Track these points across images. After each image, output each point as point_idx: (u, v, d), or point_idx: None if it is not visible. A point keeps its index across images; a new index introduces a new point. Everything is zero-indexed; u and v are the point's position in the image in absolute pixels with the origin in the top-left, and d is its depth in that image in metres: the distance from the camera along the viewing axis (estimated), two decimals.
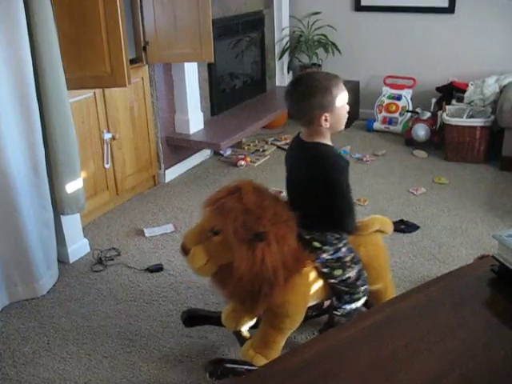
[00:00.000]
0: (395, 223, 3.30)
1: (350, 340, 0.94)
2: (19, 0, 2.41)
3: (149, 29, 3.62)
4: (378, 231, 2.28)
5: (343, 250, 2.07)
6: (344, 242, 2.08)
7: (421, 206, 3.61)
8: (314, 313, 2.41)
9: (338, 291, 2.14)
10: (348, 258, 2.08)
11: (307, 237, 2.03)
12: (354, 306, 2.14)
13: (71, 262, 3.06)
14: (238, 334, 2.26)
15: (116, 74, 2.90)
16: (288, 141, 4.73)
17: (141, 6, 3.58)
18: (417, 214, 3.49)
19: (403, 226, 3.31)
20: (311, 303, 2.17)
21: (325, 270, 2.08)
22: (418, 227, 3.32)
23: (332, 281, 2.11)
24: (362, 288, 2.14)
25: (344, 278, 2.09)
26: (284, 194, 2.16)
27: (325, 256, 2.06)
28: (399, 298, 1.06)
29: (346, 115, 1.98)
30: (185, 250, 1.97)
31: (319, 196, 1.95)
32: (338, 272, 2.08)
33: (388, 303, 1.07)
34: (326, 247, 2.05)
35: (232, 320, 2.15)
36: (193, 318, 2.40)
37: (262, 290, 1.91)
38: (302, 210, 1.98)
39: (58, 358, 2.36)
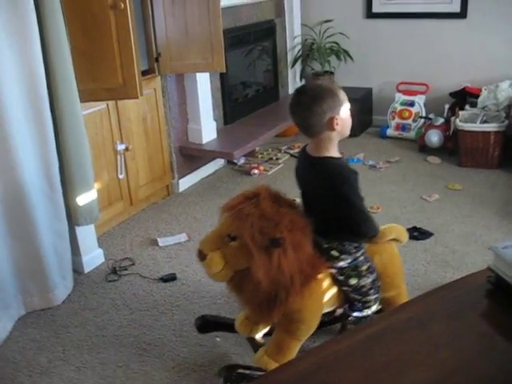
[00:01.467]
0: (408, 230, 3.32)
1: (344, 352, 0.94)
2: (32, 14, 2.46)
3: (161, 40, 3.67)
4: (393, 240, 2.27)
5: (361, 258, 2.08)
6: (362, 251, 2.09)
7: (434, 212, 3.60)
8: (327, 319, 2.41)
9: (351, 299, 2.15)
10: (364, 267, 2.09)
11: (325, 245, 2.05)
12: (364, 313, 2.14)
13: (86, 271, 3.09)
14: (252, 340, 2.27)
15: (128, 85, 2.94)
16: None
17: (152, 17, 3.63)
18: (430, 221, 3.48)
19: (416, 233, 3.30)
20: (325, 310, 2.17)
21: (340, 277, 2.09)
22: (431, 234, 3.31)
23: (346, 288, 2.12)
24: (374, 297, 2.14)
25: (359, 286, 2.10)
26: (298, 200, 2.17)
27: (342, 264, 2.07)
28: (395, 310, 1.07)
29: (351, 120, 2.00)
30: (201, 256, 1.97)
31: (334, 208, 1.96)
32: (353, 280, 2.09)
33: (384, 315, 1.08)
34: (343, 256, 2.05)
35: (246, 326, 2.16)
36: (206, 324, 2.42)
37: (278, 295, 1.93)
38: (319, 218, 1.99)
39: (72, 368, 2.39)
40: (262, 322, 2.12)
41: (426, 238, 3.27)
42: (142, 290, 2.92)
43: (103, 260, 3.20)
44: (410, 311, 1.05)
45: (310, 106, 1.91)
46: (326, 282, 2.08)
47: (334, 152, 1.99)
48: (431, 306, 1.06)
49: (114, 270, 3.09)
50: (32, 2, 2.45)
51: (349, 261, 2.06)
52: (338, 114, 1.92)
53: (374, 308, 2.17)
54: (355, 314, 2.15)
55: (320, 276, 2.02)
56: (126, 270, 3.11)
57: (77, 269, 3.07)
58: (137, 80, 2.93)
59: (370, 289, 2.12)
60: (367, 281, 2.10)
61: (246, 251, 1.87)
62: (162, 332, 2.58)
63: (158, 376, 2.31)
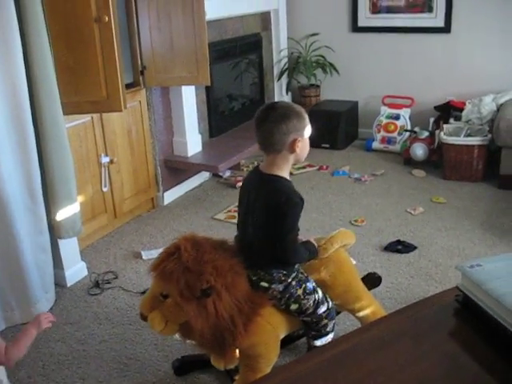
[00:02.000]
0: (392, 243, 3.34)
1: (305, 374, 0.92)
2: (15, 28, 2.46)
3: (146, 53, 3.67)
4: (340, 247, 2.27)
5: (293, 283, 2.05)
6: (293, 275, 2.06)
7: (418, 225, 3.61)
8: (296, 333, 2.40)
9: (304, 322, 2.15)
10: (300, 292, 2.06)
11: (254, 278, 2.03)
12: (324, 340, 2.15)
13: (68, 285, 3.07)
14: (229, 372, 2.26)
15: (112, 98, 2.93)
16: None
17: (138, 30, 3.64)
18: (414, 234, 3.49)
19: (400, 247, 3.31)
20: (283, 335, 2.16)
21: (282, 307, 2.08)
22: (415, 247, 3.32)
23: (293, 314, 2.11)
24: (324, 314, 2.12)
25: (303, 310, 2.08)
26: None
27: (276, 294, 2.04)
28: (359, 331, 1.06)
29: (309, 147, 2.03)
30: (143, 318, 2.00)
31: (268, 229, 1.95)
32: (294, 307, 2.07)
33: (347, 336, 1.07)
34: (273, 285, 2.03)
35: (219, 361, 2.12)
36: (184, 366, 2.40)
37: (224, 338, 1.93)
38: (246, 248, 2.00)
39: (52, 383, 2.36)
40: (223, 359, 2.10)
41: (410, 251, 3.28)
42: (125, 304, 2.89)
43: (86, 273, 3.17)
44: (376, 331, 1.04)
45: (277, 122, 1.91)
46: (272, 313, 2.06)
47: (286, 173, 2.00)
48: (397, 325, 1.05)
49: (97, 283, 3.07)
50: (15, 16, 2.45)
51: (281, 289, 2.03)
52: (301, 137, 1.94)
53: (332, 326, 2.17)
54: (318, 342, 2.15)
55: (263, 310, 2.01)
56: (108, 283, 3.09)
57: (59, 282, 3.04)
58: (121, 93, 2.93)
59: (316, 308, 2.10)
60: (308, 303, 2.08)
61: (181, 306, 1.88)
62: (143, 346, 2.56)
63: None
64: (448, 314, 1.08)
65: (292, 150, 1.94)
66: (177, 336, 2.13)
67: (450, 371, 0.93)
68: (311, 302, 2.08)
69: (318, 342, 2.16)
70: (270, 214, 1.94)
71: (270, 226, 1.95)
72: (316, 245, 2.16)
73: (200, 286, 1.84)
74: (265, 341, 2.04)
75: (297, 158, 1.99)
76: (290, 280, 2.04)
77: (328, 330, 2.16)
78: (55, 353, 2.55)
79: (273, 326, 2.06)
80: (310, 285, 2.10)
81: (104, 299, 2.95)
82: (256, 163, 4.81)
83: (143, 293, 2.96)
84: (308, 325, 2.15)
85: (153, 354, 2.50)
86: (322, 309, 2.12)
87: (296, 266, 2.09)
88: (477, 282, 1.06)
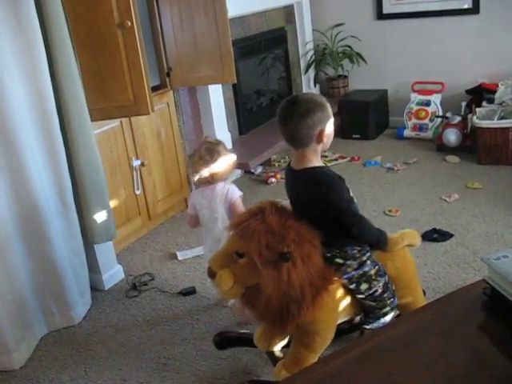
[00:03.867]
0: (428, 232, 3.29)
1: (330, 375, 0.92)
2: (39, 39, 2.50)
3: (171, 54, 3.69)
4: (406, 245, 2.25)
5: (367, 262, 2.06)
6: (367, 255, 2.06)
7: (454, 213, 3.55)
8: (346, 326, 2.39)
9: (367, 306, 2.12)
10: (373, 272, 2.07)
11: (328, 254, 2.03)
12: (382, 321, 2.12)
13: (106, 288, 3.12)
14: (271, 354, 2.26)
15: (139, 102, 2.96)
16: None
17: (162, 32, 3.66)
18: (450, 222, 3.43)
19: (436, 235, 3.25)
20: (341, 320, 2.15)
21: (351, 285, 2.07)
22: (451, 235, 3.26)
23: (359, 296, 2.09)
24: (389, 301, 2.11)
25: (371, 291, 2.07)
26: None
27: (350, 271, 2.04)
28: (387, 327, 1.04)
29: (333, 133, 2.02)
30: (211, 274, 1.97)
31: (325, 216, 1.95)
32: (364, 286, 2.06)
33: (374, 333, 1.05)
34: (348, 262, 2.03)
35: (264, 340, 2.15)
36: (225, 341, 2.41)
37: (290, 309, 1.91)
38: (317, 229, 1.98)
39: None
40: (278, 334, 2.11)
41: (446, 239, 3.22)
42: (162, 305, 2.93)
43: (123, 276, 3.22)
44: (402, 328, 1.02)
45: (302, 118, 1.90)
46: (338, 293, 2.06)
47: (317, 162, 1.99)
48: (424, 321, 1.03)
49: (134, 285, 3.11)
50: (38, 26, 2.49)
51: (355, 266, 2.04)
52: (326, 127, 1.94)
53: (391, 315, 2.15)
54: (372, 323, 2.13)
55: (331, 287, 2.00)
56: (145, 285, 3.13)
57: (97, 286, 3.10)
58: (147, 96, 2.95)
59: (383, 292, 2.09)
60: (378, 284, 2.07)
61: (255, 268, 1.86)
62: (182, 346, 2.58)
63: None
64: (475, 308, 1.06)
65: (319, 140, 1.95)
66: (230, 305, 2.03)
67: (478, 367, 0.91)
68: (381, 283, 2.08)
69: (373, 326, 2.14)
70: (320, 207, 1.94)
71: (327, 214, 1.95)
72: (388, 235, 2.14)
73: (280, 250, 1.83)
74: (326, 319, 2.03)
75: (324, 147, 1.99)
76: (364, 258, 2.05)
77: (387, 319, 2.13)
78: (96, 355, 2.59)
79: (336, 306, 2.05)
80: (382, 268, 2.11)
81: (141, 301, 2.99)
82: (287, 158, 4.81)
83: (180, 293, 2.99)
84: (369, 310, 2.13)
85: (191, 354, 2.52)
86: (388, 295, 2.11)
87: (368, 247, 2.08)
88: (503, 274, 1.03)
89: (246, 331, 2.50)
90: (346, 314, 2.15)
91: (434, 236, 3.25)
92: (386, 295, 2.10)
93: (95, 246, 3.01)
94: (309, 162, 1.97)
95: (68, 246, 2.78)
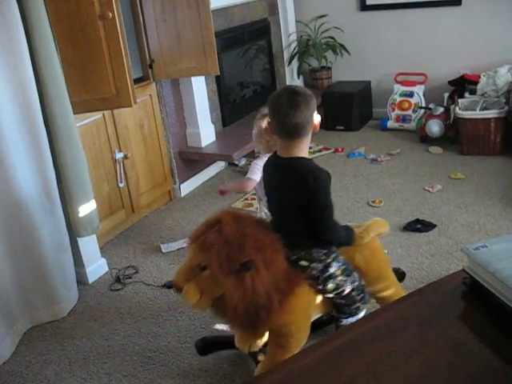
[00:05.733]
0: (411, 223, 3.31)
1: (311, 366, 0.92)
2: (21, 32, 2.47)
3: (153, 46, 3.67)
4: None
5: (333, 264, 2.05)
6: (333, 256, 2.06)
7: (437, 203, 3.58)
8: (325, 317, 2.39)
9: (337, 304, 2.13)
10: (339, 272, 2.06)
11: (294, 257, 2.03)
12: (354, 318, 2.13)
13: (90, 282, 3.11)
14: (254, 355, 2.27)
15: (121, 94, 2.94)
16: None
17: (144, 24, 3.63)
18: (433, 212, 3.45)
19: (419, 226, 3.28)
20: (314, 318, 2.16)
21: (318, 287, 2.07)
22: (434, 226, 3.28)
23: (327, 295, 2.10)
24: (358, 297, 2.12)
25: (338, 291, 2.08)
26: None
27: (315, 273, 2.04)
28: (366, 319, 1.05)
29: None
30: (178, 289, 1.99)
31: (303, 211, 1.95)
32: (331, 287, 2.06)
33: (351, 326, 1.06)
34: (313, 264, 2.03)
35: (244, 342, 2.14)
36: (207, 346, 2.41)
37: (259, 315, 1.92)
38: (285, 231, 1.98)
39: (79, 379, 2.40)
40: (252, 338, 2.10)
41: (430, 229, 3.25)
42: (146, 298, 2.92)
43: (107, 269, 3.21)
44: (382, 319, 1.02)
45: (305, 107, 1.90)
46: (307, 293, 2.06)
47: (306, 153, 2.00)
48: (404, 312, 1.04)
49: (118, 278, 3.10)
50: (20, 19, 2.46)
51: (320, 268, 2.03)
52: (314, 117, 1.96)
53: (364, 310, 2.16)
54: (348, 320, 2.14)
55: (298, 289, 2.00)
56: (129, 278, 3.12)
57: (81, 280, 3.08)
58: (130, 88, 2.93)
59: (352, 291, 2.10)
60: (345, 284, 2.08)
61: (218, 279, 1.87)
62: (166, 339, 2.58)
63: (163, 383, 2.31)
64: (455, 298, 1.06)
65: (314, 129, 1.97)
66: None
67: (457, 357, 0.91)
68: (348, 282, 2.08)
69: (348, 321, 2.15)
70: (302, 197, 1.93)
71: (304, 208, 1.94)
72: (355, 231, 2.15)
73: (240, 260, 1.83)
74: (297, 320, 2.04)
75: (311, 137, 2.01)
76: (329, 260, 2.05)
77: (359, 313, 2.15)
78: (80, 350, 2.58)
79: (306, 306, 2.06)
80: (349, 266, 2.11)
81: (126, 294, 2.98)
82: None
83: (164, 286, 2.99)
84: (340, 308, 2.14)
85: (176, 347, 2.52)
86: (357, 292, 2.12)
87: (334, 248, 2.08)
88: (482, 264, 1.05)
89: (225, 326, 2.52)
90: (318, 311, 2.16)
91: (417, 226, 3.28)
92: (354, 293, 2.11)
93: (79, 239, 2.99)
94: (300, 151, 1.97)
95: (54, 240, 2.76)
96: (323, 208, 1.95)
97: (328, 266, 2.04)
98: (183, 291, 1.94)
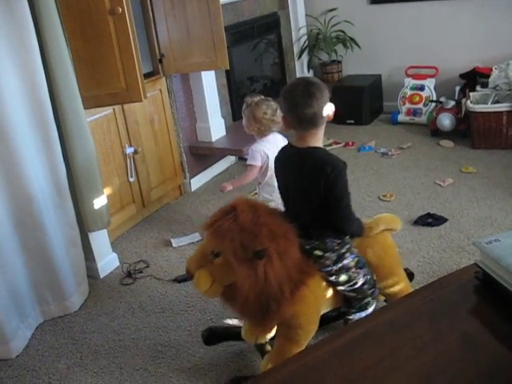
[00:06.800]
0: (422, 217, 3.29)
1: (323, 359, 0.92)
2: (31, 27, 2.48)
3: (163, 41, 3.67)
4: (385, 230, 2.25)
5: (346, 255, 2.06)
6: (347, 247, 2.06)
7: (448, 197, 3.55)
8: (334, 314, 2.39)
9: (348, 297, 2.13)
10: (352, 264, 2.07)
11: (307, 247, 2.02)
12: (363, 313, 2.12)
13: (101, 276, 3.12)
14: (260, 347, 2.27)
15: (131, 89, 2.94)
16: None
17: (153, 19, 3.63)
18: (444, 206, 3.44)
19: (430, 220, 3.26)
20: (324, 311, 2.16)
21: (331, 278, 2.07)
22: (445, 220, 3.26)
23: (339, 288, 2.10)
24: (370, 291, 2.12)
25: (351, 283, 2.08)
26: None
27: (328, 263, 2.04)
28: (377, 313, 1.04)
29: None
30: (189, 275, 2.00)
31: (320, 201, 1.95)
32: (343, 278, 2.07)
33: (366, 319, 1.05)
34: (327, 254, 2.03)
35: (251, 334, 2.14)
36: (213, 336, 2.42)
37: (269, 305, 1.92)
38: (299, 220, 1.97)
39: (90, 373, 2.41)
40: (260, 330, 2.10)
41: (441, 223, 3.23)
42: (157, 292, 2.93)
43: (118, 264, 3.22)
44: (394, 313, 1.02)
45: (319, 98, 1.92)
46: (318, 285, 2.06)
47: (321, 143, 2.01)
48: (414, 306, 1.03)
49: (129, 273, 3.11)
50: (29, 14, 2.46)
51: (334, 258, 2.04)
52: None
53: (373, 305, 2.16)
54: (355, 315, 2.13)
55: (310, 280, 2.00)
56: (140, 272, 3.13)
57: (92, 274, 3.10)
58: (139, 83, 2.93)
59: (364, 284, 2.10)
60: (358, 276, 2.08)
61: (231, 267, 1.87)
62: (177, 333, 2.59)
63: (174, 377, 2.32)
64: (467, 292, 1.06)
65: (329, 118, 1.98)
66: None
67: (468, 351, 0.91)
68: (361, 275, 2.09)
69: (356, 317, 2.15)
70: (320, 187, 1.92)
71: (322, 197, 1.94)
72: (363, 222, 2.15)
73: (254, 248, 1.83)
74: (307, 312, 2.03)
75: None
76: (343, 250, 2.05)
77: (368, 308, 2.15)
78: (92, 344, 2.60)
79: (317, 299, 2.06)
80: (362, 259, 2.11)
81: (137, 288, 2.99)
82: None
83: (175, 280, 2.99)
84: (351, 301, 2.14)
85: (187, 340, 2.53)
86: (369, 285, 2.12)
87: (348, 239, 2.08)
88: (495, 258, 1.04)
89: (235, 321, 2.52)
90: (328, 305, 2.15)
91: (428, 220, 3.26)
92: (366, 287, 2.11)
93: (90, 234, 3.01)
94: (316, 141, 1.98)
95: (65, 235, 2.78)
96: (341, 197, 1.95)
97: (342, 256, 2.05)
98: (195, 277, 1.95)
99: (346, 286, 2.08)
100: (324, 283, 2.08)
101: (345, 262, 2.05)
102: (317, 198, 1.95)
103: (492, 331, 0.96)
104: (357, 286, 2.09)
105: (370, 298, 2.13)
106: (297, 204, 2.05)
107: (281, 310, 1.93)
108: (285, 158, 2.10)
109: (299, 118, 1.94)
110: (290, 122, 1.98)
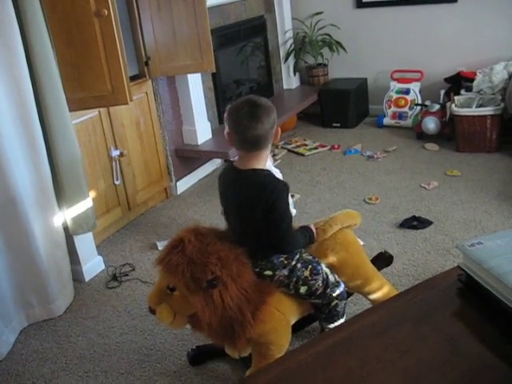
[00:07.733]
0: (407, 220, 3.31)
1: (306, 363, 0.92)
2: (15, 29, 2.46)
3: (149, 44, 3.66)
4: (344, 228, 2.23)
5: (298, 266, 2.04)
6: (296, 258, 2.04)
7: (433, 200, 3.58)
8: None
9: (315, 304, 2.13)
10: (307, 273, 2.04)
11: (256, 269, 2.01)
12: (337, 324, 2.13)
13: (86, 280, 3.10)
14: (244, 359, 2.26)
15: (117, 92, 2.93)
16: (298, 143, 4.74)
17: (140, 21, 3.62)
18: (429, 209, 3.46)
19: (415, 223, 3.28)
20: (294, 321, 2.14)
21: (291, 292, 2.06)
22: (430, 222, 3.29)
23: (302, 298, 2.09)
24: (334, 294, 2.11)
25: (311, 291, 2.06)
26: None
27: (283, 279, 2.03)
28: (361, 316, 1.05)
29: None
30: (152, 312, 2.01)
31: (259, 223, 1.94)
32: (303, 289, 2.05)
33: (349, 321, 1.06)
34: (278, 272, 2.02)
35: (233, 350, 2.12)
36: (199, 356, 2.40)
37: (234, 328, 1.93)
38: (241, 242, 1.97)
39: (75, 377, 2.39)
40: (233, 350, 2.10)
41: (426, 226, 3.25)
42: (143, 295, 2.92)
43: (103, 267, 3.20)
44: (377, 316, 1.02)
45: (264, 119, 1.86)
46: (280, 301, 2.05)
47: (264, 165, 1.98)
48: (398, 309, 1.04)
49: (115, 276, 3.10)
50: (14, 16, 2.45)
51: (286, 273, 2.02)
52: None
53: (342, 305, 2.16)
54: (331, 326, 2.14)
55: (271, 298, 2.00)
56: (126, 275, 3.11)
57: (77, 278, 3.08)
58: (125, 86, 2.92)
59: (325, 288, 2.08)
60: (317, 283, 2.06)
61: (188, 299, 1.88)
62: (162, 337, 2.58)
63: (159, 381, 2.31)
64: (450, 295, 1.06)
65: (275, 139, 1.96)
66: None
67: (452, 354, 0.91)
68: (320, 282, 2.06)
69: (331, 325, 2.15)
70: (258, 209, 1.91)
71: (261, 219, 1.93)
72: (314, 229, 2.13)
73: (205, 278, 1.84)
74: (275, 328, 2.03)
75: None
76: (293, 263, 2.03)
77: (339, 310, 2.14)
78: (77, 347, 2.58)
79: (282, 313, 2.04)
80: (317, 265, 2.08)
81: (122, 292, 2.98)
82: None
83: None
84: (318, 307, 2.14)
85: (172, 344, 2.52)
86: (331, 289, 2.10)
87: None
88: (478, 261, 1.04)
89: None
90: (296, 314, 2.15)
91: (413, 223, 3.28)
92: (328, 291, 2.09)
93: (75, 237, 2.99)
94: (258, 163, 1.95)
95: (49, 238, 2.76)
96: (281, 219, 1.94)
97: (294, 269, 2.03)
98: (157, 313, 1.97)
99: (308, 294, 2.07)
100: (286, 297, 2.07)
101: (298, 273, 2.03)
102: (256, 221, 1.94)
103: (475, 333, 0.97)
104: (319, 293, 2.07)
105: (336, 301, 2.11)
106: (238, 226, 2.04)
107: (246, 332, 1.94)
108: (225, 180, 2.07)
109: (243, 140, 1.90)
110: (234, 141, 1.93)
